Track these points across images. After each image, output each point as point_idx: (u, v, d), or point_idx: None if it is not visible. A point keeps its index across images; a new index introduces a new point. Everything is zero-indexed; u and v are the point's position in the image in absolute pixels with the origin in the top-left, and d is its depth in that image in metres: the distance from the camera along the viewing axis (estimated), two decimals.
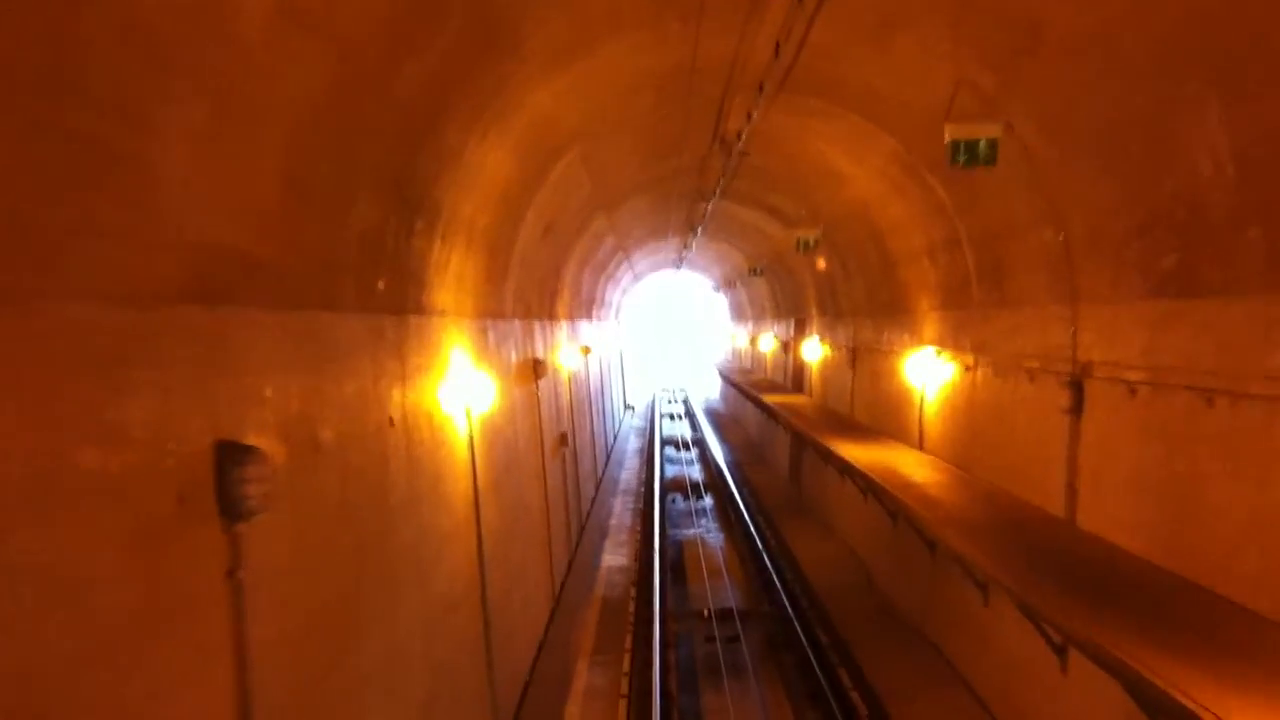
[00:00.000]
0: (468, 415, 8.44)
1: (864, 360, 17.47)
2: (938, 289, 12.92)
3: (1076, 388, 8.44)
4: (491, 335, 10.33)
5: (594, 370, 25.43)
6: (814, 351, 22.65)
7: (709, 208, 20.05)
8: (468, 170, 7.87)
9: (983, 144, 8.78)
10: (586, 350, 22.76)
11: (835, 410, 19.90)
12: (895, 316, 15.09)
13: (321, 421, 4.88)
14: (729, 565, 16.98)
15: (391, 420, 6.17)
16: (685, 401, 48.89)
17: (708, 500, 22.66)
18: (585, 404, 22.05)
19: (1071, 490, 8.48)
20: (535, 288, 13.72)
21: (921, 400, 13.48)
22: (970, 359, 11.62)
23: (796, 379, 25.86)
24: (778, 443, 27.71)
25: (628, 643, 11.94)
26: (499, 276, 10.67)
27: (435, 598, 6.95)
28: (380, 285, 6.17)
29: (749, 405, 33.79)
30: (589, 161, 12.14)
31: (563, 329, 18.02)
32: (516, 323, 12.18)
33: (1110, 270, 8.08)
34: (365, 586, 5.41)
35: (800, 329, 25.42)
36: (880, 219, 14.21)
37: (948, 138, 8.58)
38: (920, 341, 13.72)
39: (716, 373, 46.89)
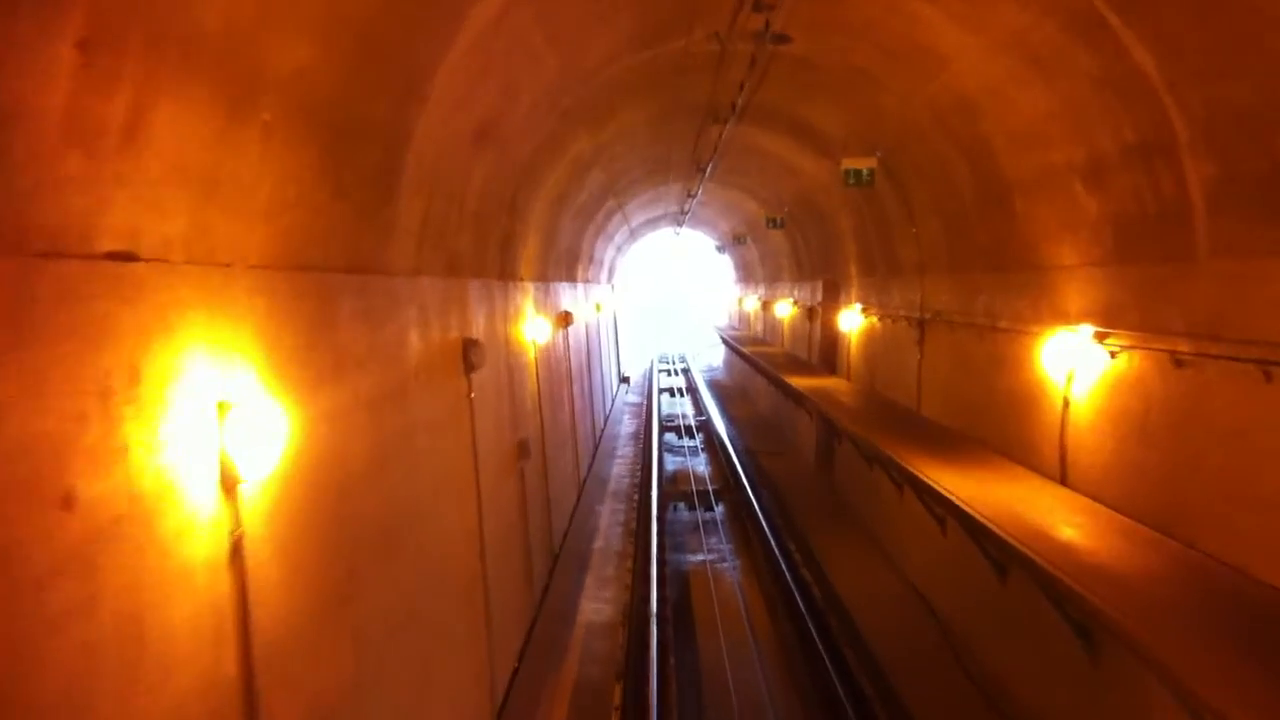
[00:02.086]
0: (224, 491, 3.70)
1: (939, 336, 12.71)
2: (1101, 229, 8.12)
3: None
4: (348, 307, 5.55)
5: (578, 343, 20.68)
6: (853, 321, 17.89)
7: (724, 134, 15.21)
8: None
9: None
10: (566, 319, 17.98)
11: (890, 400, 15.19)
12: (1006, 274, 10.30)
13: None
14: (753, 617, 12.39)
15: None
16: (686, 373, 44.13)
17: (718, 510, 18.02)
18: (563, 388, 17.33)
19: None
20: (471, 228, 8.92)
21: (1064, 406, 8.74)
22: (1183, 346, 6.86)
23: (826, 355, 21.10)
24: (799, 425, 23.09)
25: None
26: (374, 192, 5.87)
27: None
28: None
29: (759, 377, 29.11)
30: (545, 9, 7.26)
31: (528, 294, 13.23)
32: (425, 282, 7.40)
33: None
34: None
35: (832, 292, 20.63)
36: (993, 122, 9.35)
37: None
38: (1056, 313, 8.96)
39: (720, 340, 42.14)
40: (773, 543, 14.94)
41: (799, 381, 18.52)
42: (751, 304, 36.34)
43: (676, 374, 44.07)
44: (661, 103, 13.30)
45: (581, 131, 11.97)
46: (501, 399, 10.50)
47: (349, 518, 5.27)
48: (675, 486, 20.12)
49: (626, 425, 29.49)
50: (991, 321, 10.64)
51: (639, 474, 21.29)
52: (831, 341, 20.79)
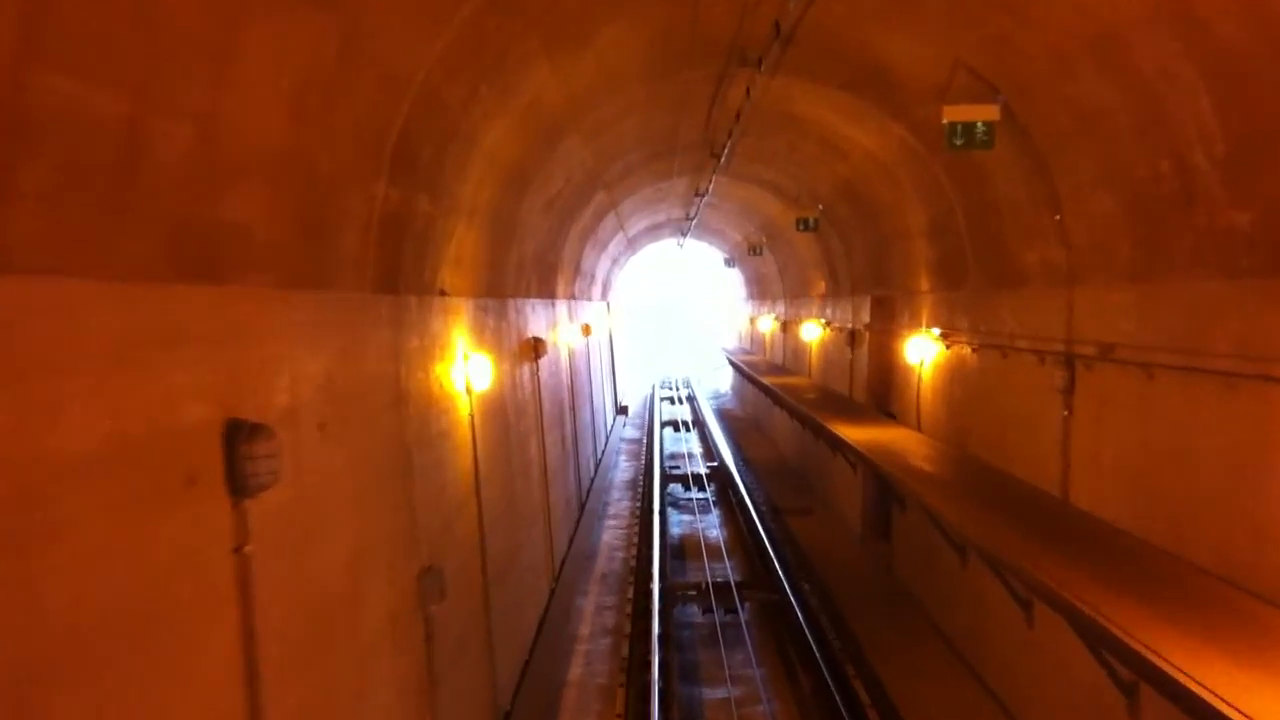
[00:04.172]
0: None
1: (1116, 385, 7.91)
2: None
3: None
4: None
5: (555, 378, 15.95)
6: (925, 351, 13.19)
7: (752, 91, 10.68)
8: None
9: None
10: (537, 349, 13.28)
11: (998, 470, 10.38)
12: None
13: None
14: None
15: None
16: (691, 401, 39.25)
17: (744, 610, 13.15)
18: (529, 446, 12.57)
19: None
20: (268, 180, 4.22)
21: None
22: None
23: (878, 393, 16.30)
24: (834, 474, 18.37)
25: None
26: None
27: None
28: None
29: (777, 409, 24.37)
30: None
31: (459, 316, 8.55)
32: (47, 294, 2.66)
33: None
34: None
35: (884, 311, 15.88)
36: None
37: None
38: None
39: (728, 363, 37.29)
40: (834, 689, 10.13)
41: (849, 432, 13.74)
42: (767, 324, 31.61)
43: (680, 402, 39.19)
44: (666, 21, 8.63)
45: (536, 48, 7.25)
46: (369, 514, 5.73)
47: None
48: (683, 566, 15.31)
49: (623, 470, 24.68)
50: (1265, 368, 5.88)
51: (635, 548, 16.45)
52: (884, 376, 16.03)
